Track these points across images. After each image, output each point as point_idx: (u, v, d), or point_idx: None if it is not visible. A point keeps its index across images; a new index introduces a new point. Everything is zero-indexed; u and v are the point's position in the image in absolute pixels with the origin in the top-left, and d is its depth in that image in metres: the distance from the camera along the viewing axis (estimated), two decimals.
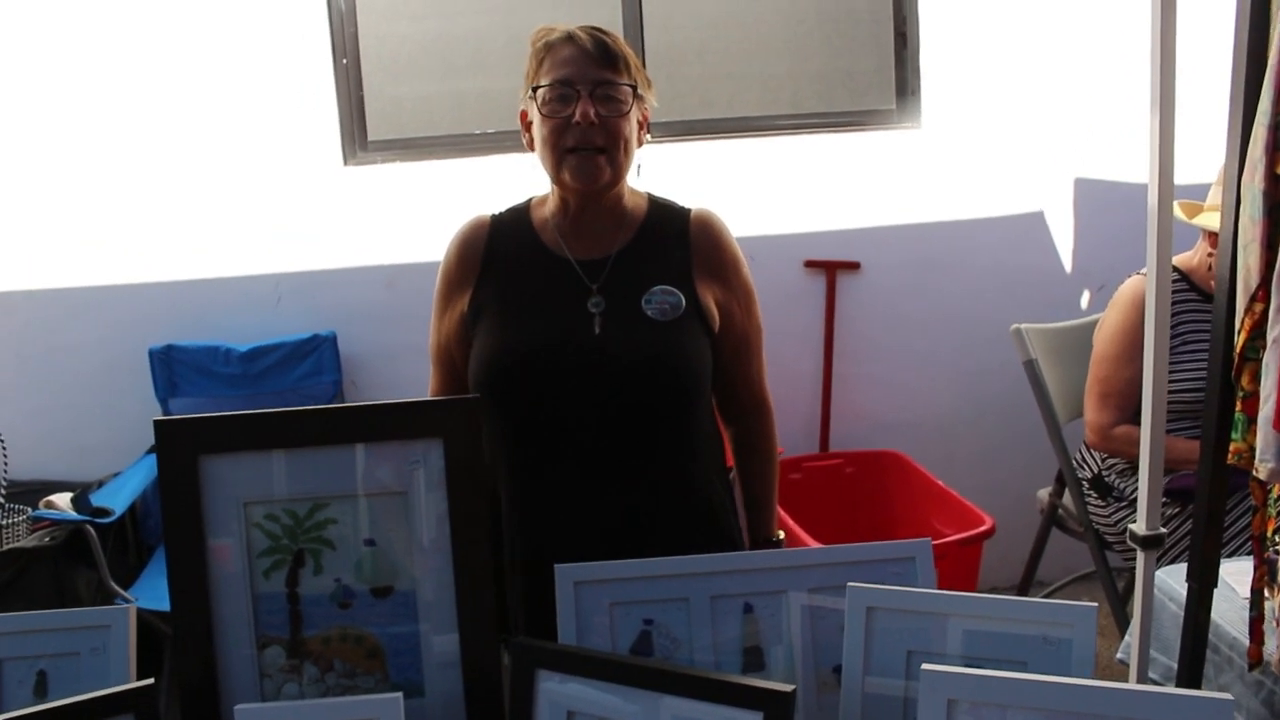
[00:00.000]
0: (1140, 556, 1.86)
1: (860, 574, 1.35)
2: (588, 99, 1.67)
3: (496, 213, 1.84)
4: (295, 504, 1.33)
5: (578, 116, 1.66)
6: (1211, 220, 2.60)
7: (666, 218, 1.82)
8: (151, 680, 1.22)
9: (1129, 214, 3.55)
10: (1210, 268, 2.68)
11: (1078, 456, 2.95)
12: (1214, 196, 2.64)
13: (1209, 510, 1.70)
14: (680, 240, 1.79)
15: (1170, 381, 1.99)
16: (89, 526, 2.83)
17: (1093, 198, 3.65)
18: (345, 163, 3.50)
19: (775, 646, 1.37)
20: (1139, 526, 1.84)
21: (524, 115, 1.78)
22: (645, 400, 1.72)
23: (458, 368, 1.81)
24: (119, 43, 3.31)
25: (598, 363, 1.70)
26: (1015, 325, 3.00)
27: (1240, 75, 1.54)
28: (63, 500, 2.94)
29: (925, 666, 1.13)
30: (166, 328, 3.40)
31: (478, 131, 3.57)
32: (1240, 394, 1.57)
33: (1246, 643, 1.79)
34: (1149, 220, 1.76)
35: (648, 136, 1.79)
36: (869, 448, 3.62)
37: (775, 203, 3.54)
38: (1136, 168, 3.53)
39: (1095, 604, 1.24)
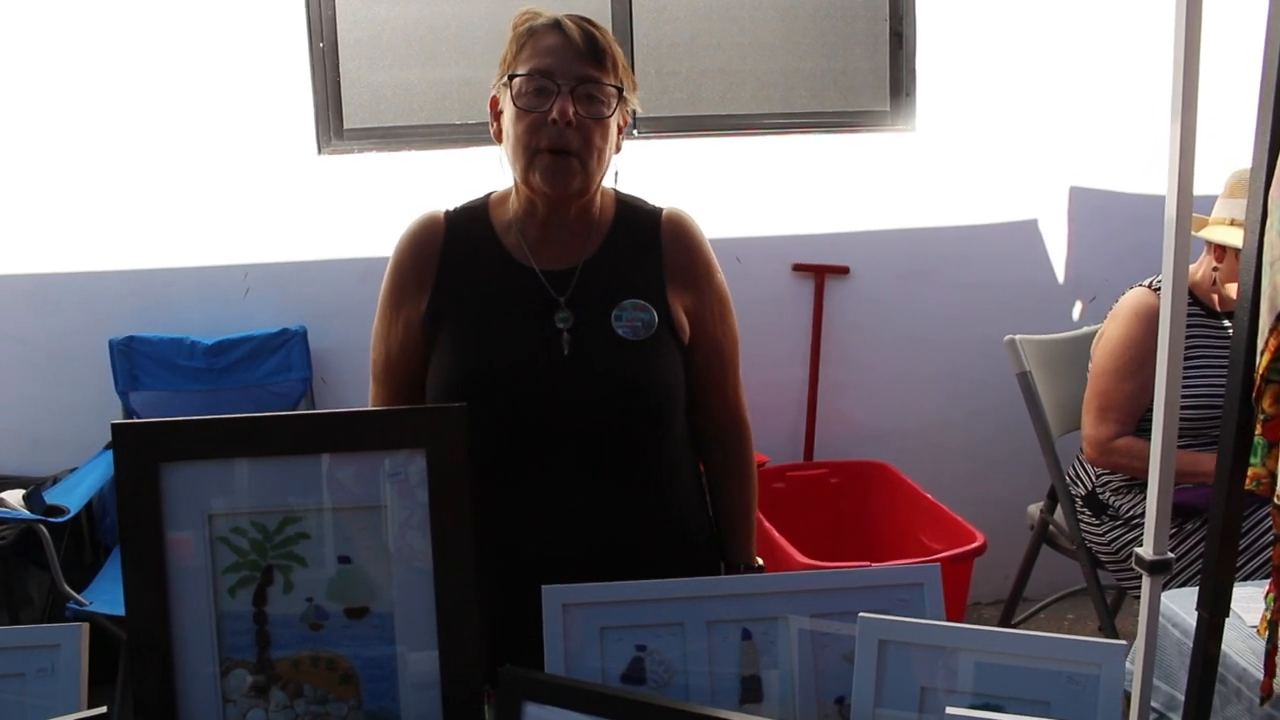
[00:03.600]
0: (1146, 581, 1.80)
1: (865, 600, 1.28)
2: (567, 96, 1.54)
3: (450, 209, 1.71)
4: (264, 517, 1.24)
5: (554, 114, 1.54)
6: (1219, 234, 2.55)
7: (635, 220, 1.70)
8: (104, 709, 1.12)
9: (1123, 224, 3.56)
10: (1215, 282, 2.63)
11: (1071, 472, 2.90)
12: (1220, 210, 2.59)
13: (1223, 537, 1.64)
14: (650, 245, 1.68)
15: None
16: (41, 525, 2.73)
17: (1087, 207, 3.62)
18: (319, 151, 3.41)
19: (774, 675, 1.29)
20: (1146, 550, 1.78)
21: (494, 102, 1.65)
22: (616, 425, 1.61)
23: (407, 385, 1.68)
24: (81, 20, 3.20)
25: (567, 386, 1.59)
26: (1009, 336, 2.95)
27: (1271, 87, 1.49)
28: (14, 497, 2.84)
29: (950, 710, 1.06)
30: (128, 318, 3.30)
31: (458, 122, 3.48)
32: (1261, 417, 1.52)
33: (1255, 673, 1.75)
34: (1165, 235, 1.70)
35: (626, 139, 1.67)
36: (855, 458, 3.57)
37: (764, 203, 3.48)
38: (1132, 177, 3.55)
39: (1124, 642, 1.17)
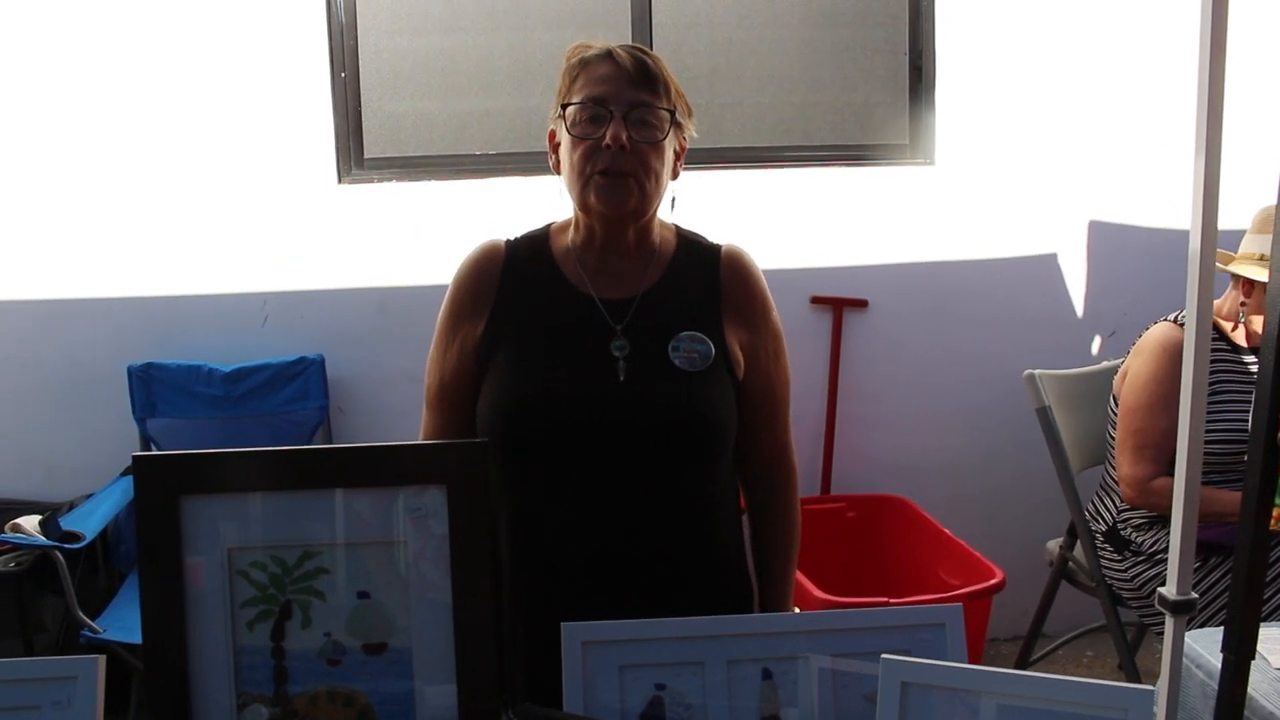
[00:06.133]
0: (1169, 622, 1.76)
1: (886, 640, 1.27)
2: (620, 121, 1.55)
3: (511, 239, 1.72)
4: (283, 551, 1.23)
5: (608, 139, 1.55)
6: (1248, 269, 2.54)
7: (695, 254, 1.71)
8: None
9: (1143, 258, 3.55)
10: (1241, 316, 2.61)
11: (1090, 508, 2.87)
12: (1248, 245, 2.58)
13: (1249, 579, 1.61)
14: (709, 279, 1.69)
15: None
16: (57, 552, 2.72)
17: (1106, 241, 3.61)
18: (340, 180, 3.42)
19: (794, 715, 1.28)
20: (1169, 590, 1.75)
21: (552, 135, 1.66)
22: (668, 454, 1.61)
23: (459, 411, 1.67)
24: (104, 46, 3.23)
25: (621, 413, 1.59)
26: (1028, 371, 2.93)
27: None
28: (30, 523, 2.84)
29: None
30: (147, 345, 3.31)
31: (479, 152, 3.49)
32: None
33: None
34: (1190, 270, 1.67)
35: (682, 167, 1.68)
36: (872, 491, 3.55)
37: (783, 236, 3.48)
38: (1152, 211, 3.54)
39: (1151, 687, 1.15)
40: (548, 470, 1.61)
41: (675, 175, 1.66)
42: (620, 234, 1.64)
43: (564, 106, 1.60)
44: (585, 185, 1.58)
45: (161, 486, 1.21)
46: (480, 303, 1.66)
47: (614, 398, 1.59)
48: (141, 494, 1.22)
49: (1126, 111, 3.52)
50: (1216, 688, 1.65)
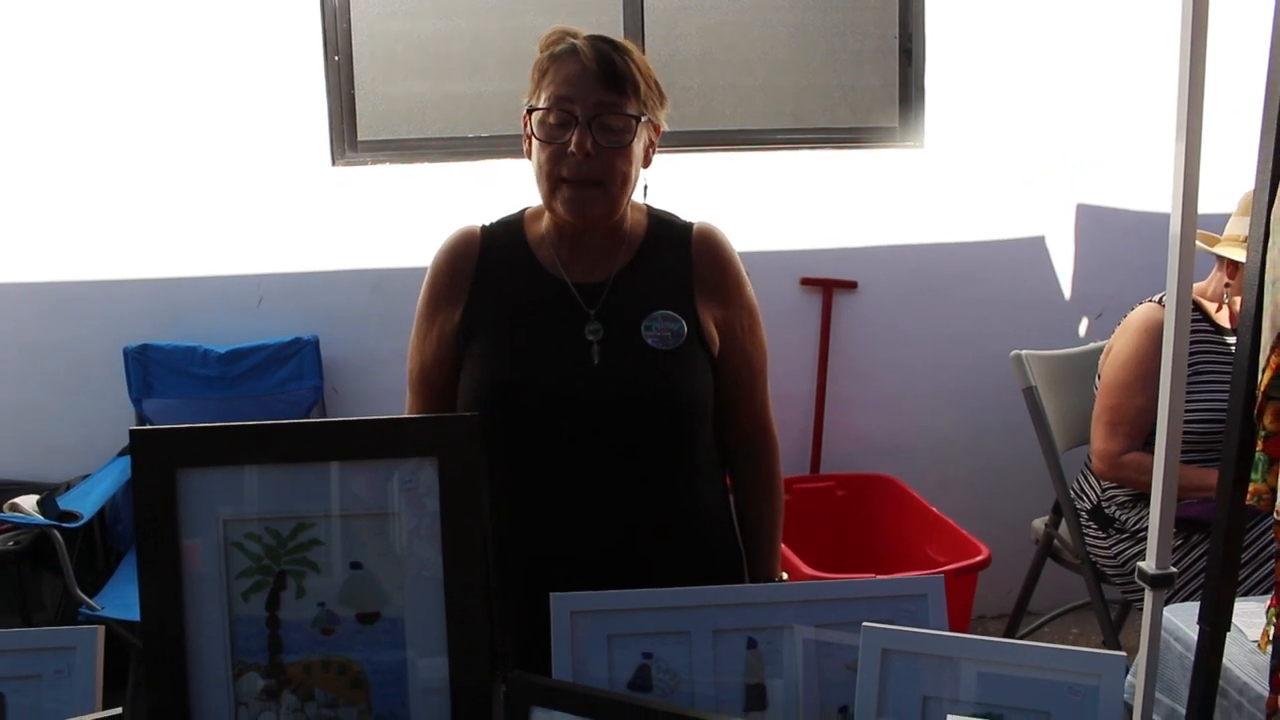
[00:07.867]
0: (1148, 596, 1.80)
1: (870, 610, 1.29)
2: (584, 128, 1.55)
3: (487, 224, 1.74)
4: (278, 523, 1.26)
5: (573, 146, 1.56)
6: (1232, 250, 2.57)
7: (667, 234, 1.72)
8: (119, 710, 1.14)
9: (1130, 241, 3.57)
10: (1226, 297, 2.64)
11: (1076, 486, 2.91)
12: (1233, 227, 2.60)
13: (1225, 552, 1.65)
14: (681, 258, 1.70)
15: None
16: (55, 531, 2.75)
17: (1094, 223, 3.63)
18: (334, 162, 3.43)
19: (779, 684, 1.30)
20: (1149, 565, 1.79)
21: (526, 121, 1.67)
22: (646, 433, 1.63)
23: (442, 394, 1.70)
24: (99, 30, 3.23)
25: (597, 395, 1.61)
26: (1015, 351, 2.96)
27: (1274, 106, 1.49)
28: (28, 503, 2.86)
29: (952, 718, 1.07)
30: (143, 326, 3.32)
31: (471, 135, 3.50)
32: (1262, 433, 1.53)
33: (1256, 687, 1.75)
34: (1170, 251, 1.70)
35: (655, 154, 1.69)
36: (861, 470, 3.57)
37: (773, 218, 3.50)
38: (1139, 195, 3.56)
39: (1123, 653, 1.18)
40: (528, 454, 1.63)
41: (647, 164, 1.66)
42: (590, 231, 1.66)
43: (530, 109, 1.61)
44: (553, 191, 1.60)
45: (158, 460, 1.24)
46: (457, 289, 1.68)
47: (589, 380, 1.61)
48: (139, 467, 1.24)
49: (1114, 96, 3.54)
50: (1194, 660, 1.69)
